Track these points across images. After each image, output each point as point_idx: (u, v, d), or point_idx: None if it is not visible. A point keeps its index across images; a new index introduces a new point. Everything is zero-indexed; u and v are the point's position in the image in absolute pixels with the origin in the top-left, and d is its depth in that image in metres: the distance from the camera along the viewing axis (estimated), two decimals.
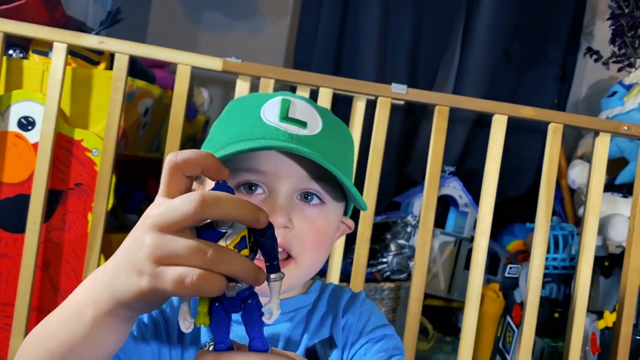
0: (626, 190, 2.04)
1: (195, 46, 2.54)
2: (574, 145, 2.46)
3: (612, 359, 1.28)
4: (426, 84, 2.45)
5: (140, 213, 1.62)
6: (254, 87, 1.27)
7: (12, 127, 1.26)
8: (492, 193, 1.25)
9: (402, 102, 1.25)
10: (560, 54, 2.51)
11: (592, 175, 1.26)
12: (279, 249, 0.61)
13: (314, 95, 1.27)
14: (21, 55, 1.29)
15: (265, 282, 0.46)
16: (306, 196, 0.65)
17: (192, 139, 2.09)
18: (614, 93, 2.24)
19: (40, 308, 1.27)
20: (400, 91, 1.22)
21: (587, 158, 2.27)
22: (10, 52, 1.28)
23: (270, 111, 0.66)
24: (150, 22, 2.55)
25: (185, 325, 0.45)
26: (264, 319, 0.46)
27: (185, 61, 1.24)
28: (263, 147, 0.60)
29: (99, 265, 1.24)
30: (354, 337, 0.70)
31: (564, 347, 1.72)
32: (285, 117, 0.65)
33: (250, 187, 0.64)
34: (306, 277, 0.68)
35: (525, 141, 2.32)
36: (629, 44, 1.85)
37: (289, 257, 0.63)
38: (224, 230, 0.43)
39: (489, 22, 2.37)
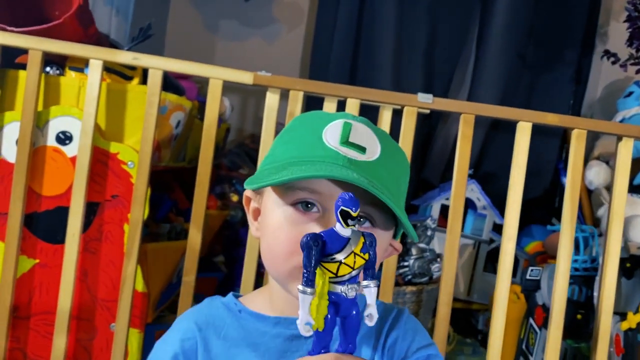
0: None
1: (213, 55, 2.58)
2: (591, 146, 2.47)
3: None
4: (441, 90, 2.48)
5: (169, 222, 1.66)
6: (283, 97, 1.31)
7: (51, 141, 1.30)
8: (518, 200, 1.28)
9: (427, 111, 1.28)
10: (575, 55, 2.53)
11: (615, 179, 1.29)
12: None
13: (341, 106, 1.30)
14: (58, 72, 1.33)
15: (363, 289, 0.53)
16: (359, 219, 0.68)
17: (215, 147, 2.13)
18: (630, 93, 2.25)
19: (80, 317, 1.32)
20: (426, 100, 1.26)
21: (604, 158, 2.28)
22: (48, 69, 1.32)
23: (332, 134, 0.68)
24: (168, 32, 2.60)
25: (306, 329, 0.51)
26: (366, 321, 0.52)
27: (217, 75, 1.28)
28: (322, 175, 0.63)
29: (136, 274, 1.28)
30: (398, 356, 0.72)
31: (589, 349, 1.74)
32: (345, 141, 0.67)
33: (306, 205, 0.67)
34: None
35: (541, 143, 2.34)
36: None
37: None
38: (348, 237, 0.51)
39: (503, 26, 2.39)
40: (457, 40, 2.52)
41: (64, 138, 1.30)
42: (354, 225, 0.51)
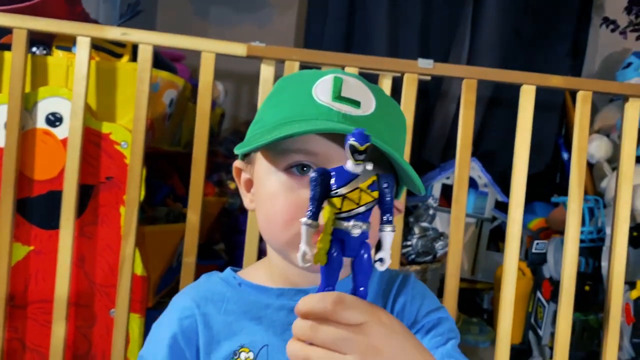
0: None
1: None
2: (591, 120, 2.43)
3: None
4: (441, 60, 2.44)
5: (166, 206, 1.62)
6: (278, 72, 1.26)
7: (40, 124, 1.26)
8: (524, 166, 1.25)
9: (428, 78, 1.24)
10: (572, 28, 2.49)
11: (623, 142, 1.25)
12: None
13: None
14: (44, 52, 1.29)
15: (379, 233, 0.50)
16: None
17: (211, 131, 2.09)
18: (629, 64, 2.22)
19: (78, 303, 1.28)
20: (427, 66, 1.22)
21: (604, 132, 2.25)
22: (34, 49, 1.28)
23: (323, 90, 0.64)
24: (158, 18, 2.55)
25: (305, 260, 0.49)
26: (377, 265, 0.50)
27: (209, 48, 1.24)
28: (318, 129, 0.60)
29: (134, 257, 1.24)
30: (408, 321, 0.70)
31: (598, 321, 1.72)
32: (338, 96, 0.64)
33: (302, 167, 0.64)
34: None
35: (540, 119, 2.31)
36: None
37: None
38: (357, 173, 0.48)
39: (498, 2, 2.36)
40: (453, 15, 2.48)
41: (54, 120, 1.26)
42: (362, 161, 0.48)
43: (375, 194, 0.49)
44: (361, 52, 2.27)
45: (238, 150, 0.67)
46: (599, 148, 2.15)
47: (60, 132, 1.26)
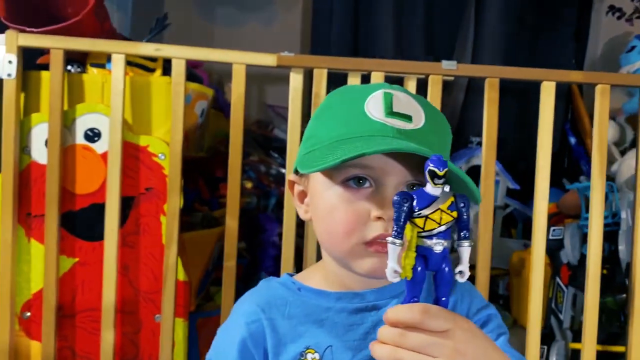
0: None
1: (212, 43, 2.56)
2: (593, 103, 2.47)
3: None
4: (444, 56, 2.48)
5: (194, 211, 1.67)
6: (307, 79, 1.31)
7: (80, 140, 1.30)
8: (548, 160, 1.30)
9: (452, 79, 1.28)
10: (575, 14, 2.53)
11: None
12: (385, 240, 0.66)
13: (364, 80, 1.31)
14: (79, 70, 1.33)
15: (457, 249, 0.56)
16: (412, 187, 0.67)
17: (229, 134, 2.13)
18: (633, 48, 2.25)
19: (124, 310, 1.32)
20: (450, 67, 1.26)
21: (611, 115, 2.29)
22: (69, 67, 1.32)
23: (375, 106, 0.68)
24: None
25: (393, 276, 0.55)
26: (457, 277, 0.55)
27: (240, 60, 1.28)
28: (380, 150, 0.62)
29: (177, 264, 1.29)
30: None
31: (616, 303, 1.77)
32: (390, 112, 0.67)
33: (358, 180, 0.67)
34: None
35: None
36: None
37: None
38: (437, 196, 0.53)
39: None
40: (456, 5, 2.51)
41: (93, 135, 1.30)
42: (441, 185, 0.53)
43: (455, 213, 0.54)
44: (368, 49, 2.32)
45: (304, 170, 0.70)
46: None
47: (99, 147, 1.30)
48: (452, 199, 0.55)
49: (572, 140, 2.45)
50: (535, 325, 1.30)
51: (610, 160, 2.21)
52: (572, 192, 2.09)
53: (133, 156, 1.30)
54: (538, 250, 1.30)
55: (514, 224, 2.38)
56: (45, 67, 1.29)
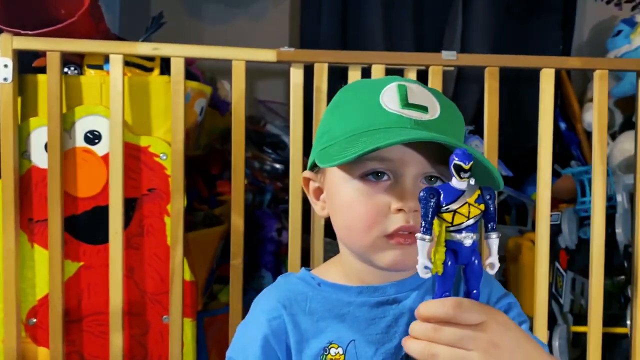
0: None
1: (201, 41, 2.54)
2: (583, 89, 2.50)
3: None
4: (434, 46, 2.48)
5: (193, 211, 1.66)
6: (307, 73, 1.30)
7: (80, 142, 1.29)
8: (549, 147, 1.31)
9: (452, 69, 1.29)
10: (561, 0, 2.56)
11: (639, 114, 1.32)
12: (407, 232, 0.66)
13: (365, 74, 1.30)
14: (76, 71, 1.31)
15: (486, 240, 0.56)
16: (430, 179, 0.68)
17: (225, 132, 2.12)
18: (619, 32, 2.27)
19: (131, 312, 1.32)
20: (450, 57, 1.27)
21: None
22: (65, 69, 1.30)
23: (390, 98, 0.68)
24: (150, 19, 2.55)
25: (424, 272, 0.55)
26: (488, 269, 0.56)
27: (239, 57, 1.27)
28: (401, 141, 0.62)
29: (183, 264, 1.28)
30: None
31: (614, 285, 1.79)
32: (406, 104, 0.67)
33: (377, 174, 0.67)
34: None
35: (535, 91, 2.37)
36: None
37: None
38: (464, 189, 0.54)
39: None
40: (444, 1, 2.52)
41: (93, 137, 1.28)
42: (467, 178, 0.53)
43: (482, 206, 0.55)
44: (357, 43, 2.32)
45: (324, 164, 0.70)
46: None
47: (99, 149, 1.29)
48: (478, 191, 0.55)
49: (562, 125, 2.47)
50: (542, 314, 1.32)
51: None
52: (565, 177, 2.11)
53: (134, 157, 1.29)
54: (542, 237, 1.32)
55: (507, 211, 2.40)
56: (42, 70, 1.28)
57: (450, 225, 0.55)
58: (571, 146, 2.40)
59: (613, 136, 2.19)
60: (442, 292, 0.57)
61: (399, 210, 0.65)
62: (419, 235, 0.55)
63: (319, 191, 0.78)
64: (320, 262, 1.26)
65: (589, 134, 2.30)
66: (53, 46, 1.23)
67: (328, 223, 0.84)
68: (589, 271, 1.33)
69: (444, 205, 0.54)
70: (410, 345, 0.59)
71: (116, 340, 1.28)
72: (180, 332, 1.29)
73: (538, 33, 2.53)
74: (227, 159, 2.21)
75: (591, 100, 2.37)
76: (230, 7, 2.59)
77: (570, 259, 1.90)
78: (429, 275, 0.56)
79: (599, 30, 2.71)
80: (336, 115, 0.74)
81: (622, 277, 1.73)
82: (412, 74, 1.30)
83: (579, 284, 1.90)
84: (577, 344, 1.72)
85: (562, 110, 2.46)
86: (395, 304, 0.73)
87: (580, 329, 1.73)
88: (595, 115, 1.31)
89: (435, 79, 1.28)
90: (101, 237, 1.29)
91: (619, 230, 1.77)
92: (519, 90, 2.38)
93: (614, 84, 2.23)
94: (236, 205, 1.29)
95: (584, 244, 1.93)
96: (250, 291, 1.66)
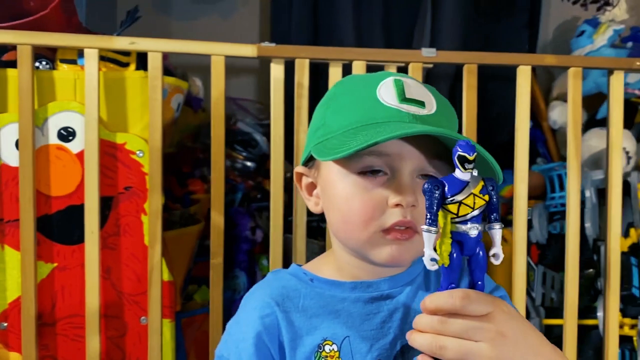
0: (604, 124, 2.16)
1: (168, 35, 2.50)
2: (548, 87, 2.56)
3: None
4: (404, 43, 2.50)
5: (167, 210, 1.62)
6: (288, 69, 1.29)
7: (53, 139, 1.24)
8: (526, 143, 1.33)
9: (431, 66, 1.30)
10: (527, 1, 2.61)
11: (611, 112, 1.35)
12: (404, 227, 0.66)
13: (346, 70, 1.30)
14: (48, 66, 1.26)
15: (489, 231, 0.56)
16: (426, 176, 0.68)
17: (197, 129, 2.09)
18: (582, 32, 2.34)
19: (108, 314, 1.28)
20: (430, 54, 1.27)
21: (563, 98, 2.37)
22: (37, 64, 1.25)
23: (387, 93, 0.68)
24: (118, 18, 2.49)
25: (431, 264, 0.55)
26: (493, 260, 0.56)
27: (219, 52, 1.25)
28: (402, 134, 0.62)
29: (162, 264, 1.25)
30: None
31: (584, 277, 1.84)
32: (403, 98, 0.67)
33: (372, 170, 0.67)
34: None
35: (503, 88, 2.41)
36: None
37: (415, 232, 0.67)
38: (468, 180, 0.54)
39: None
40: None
41: (67, 134, 1.24)
42: (471, 170, 0.54)
43: (486, 197, 0.55)
44: (328, 40, 2.32)
45: (324, 158, 0.69)
46: (561, 114, 2.26)
47: (73, 146, 1.25)
48: (482, 182, 0.55)
49: (531, 123, 2.52)
50: (520, 309, 1.33)
51: (566, 142, 2.30)
52: (533, 174, 2.15)
53: (110, 155, 1.26)
54: (520, 232, 1.34)
55: None
56: (11, 64, 1.23)
57: (455, 216, 0.55)
58: (537, 143, 2.45)
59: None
60: (448, 283, 0.57)
61: (397, 205, 0.65)
62: (424, 227, 0.55)
63: (312, 186, 0.78)
64: (303, 261, 1.25)
65: (554, 132, 2.35)
66: (24, 39, 1.19)
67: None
68: (565, 264, 1.36)
69: (449, 196, 0.54)
70: (416, 339, 0.58)
71: (93, 343, 1.24)
72: (160, 333, 1.26)
73: (505, 32, 2.58)
74: (197, 157, 2.19)
75: (556, 98, 2.44)
76: (199, 3, 2.56)
77: (541, 253, 1.94)
78: (435, 267, 0.55)
79: (563, 31, 2.78)
80: (331, 109, 0.74)
81: (591, 270, 1.78)
82: (392, 71, 1.30)
83: (549, 278, 1.94)
84: (549, 336, 1.75)
85: (531, 108, 2.51)
86: (389, 300, 0.73)
87: (552, 321, 1.77)
88: (570, 112, 1.34)
89: (415, 76, 1.28)
90: (76, 237, 1.25)
91: (587, 225, 1.81)
92: (485, 86, 2.42)
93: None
94: (216, 203, 1.27)
95: (553, 239, 1.98)
96: (226, 291, 1.64)
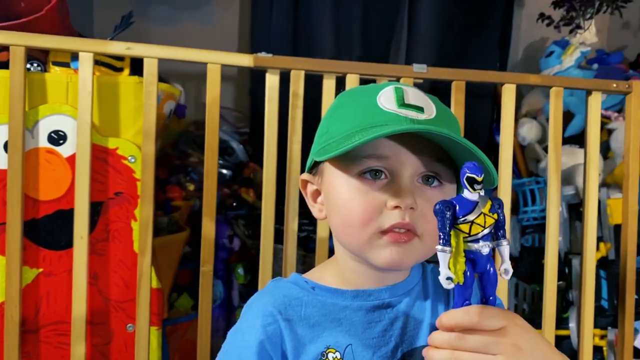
0: (572, 141, 2.25)
1: (147, 41, 2.48)
2: (518, 105, 2.63)
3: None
4: (381, 57, 2.55)
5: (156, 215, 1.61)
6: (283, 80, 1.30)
7: (43, 143, 1.22)
8: (509, 160, 1.37)
9: (421, 82, 1.33)
10: (499, 20, 2.69)
11: (588, 131, 1.41)
12: (403, 230, 0.68)
13: (340, 81, 1.32)
14: (39, 68, 1.25)
15: (497, 248, 0.59)
16: (427, 179, 0.70)
17: (180, 135, 2.08)
18: (551, 53, 2.43)
19: (93, 321, 1.26)
20: (421, 70, 1.31)
21: (532, 115, 2.46)
22: (28, 66, 1.23)
23: (387, 99, 0.70)
24: (95, 21, 2.46)
25: (447, 283, 0.56)
26: (503, 275, 0.58)
27: (215, 60, 1.26)
28: (399, 130, 0.64)
29: (151, 271, 1.25)
30: None
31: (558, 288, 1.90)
32: (402, 103, 0.69)
33: (374, 173, 0.69)
34: (429, 253, 0.71)
35: (475, 105, 2.48)
36: (577, 7, 2.03)
37: (415, 235, 0.68)
38: (477, 200, 0.56)
39: None
40: (391, 8, 2.60)
41: (58, 138, 1.23)
42: (480, 190, 0.56)
43: (495, 215, 0.58)
44: (307, 50, 2.35)
45: (319, 158, 0.71)
46: (530, 131, 2.35)
47: (64, 150, 1.23)
48: (490, 201, 0.58)
49: (498, 139, 2.60)
50: None
51: (534, 157, 2.38)
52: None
53: (101, 159, 1.24)
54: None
55: None
56: (2, 65, 1.21)
57: (467, 235, 0.57)
58: None
59: (546, 149, 2.32)
60: (463, 300, 0.59)
61: (395, 207, 0.67)
62: (438, 247, 0.57)
63: (317, 193, 0.79)
64: (293, 270, 1.26)
65: (522, 148, 2.43)
66: (17, 41, 1.17)
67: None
68: (544, 275, 1.40)
69: (460, 216, 0.56)
70: (434, 355, 0.60)
71: (78, 350, 1.22)
72: (147, 341, 1.25)
73: (478, 50, 2.66)
74: (174, 164, 2.17)
75: (525, 115, 2.52)
76: (178, 10, 2.55)
77: (514, 266, 2.00)
78: (451, 286, 0.57)
79: (532, 50, 2.88)
80: (334, 117, 0.76)
81: (562, 282, 1.84)
82: None
83: (521, 290, 2.00)
84: None
85: (499, 124, 2.58)
86: (389, 308, 0.74)
87: None
88: (552, 129, 1.39)
89: None
90: (63, 242, 1.23)
91: (560, 239, 1.87)
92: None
93: (545, 101, 2.38)
94: (208, 210, 1.27)
95: (526, 252, 2.04)
96: None
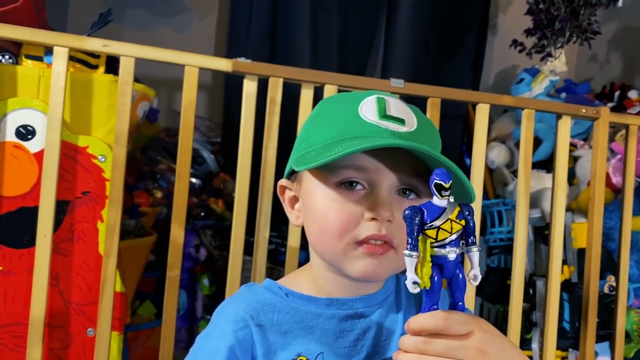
0: (539, 166, 2.29)
1: None
2: (487, 129, 2.67)
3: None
4: (356, 70, 2.57)
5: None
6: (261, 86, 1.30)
7: (10, 137, 1.19)
8: (481, 179, 1.39)
9: (397, 96, 1.34)
10: (473, 44, 2.75)
11: (557, 154, 1.44)
12: (379, 242, 0.68)
13: (318, 92, 1.32)
14: (11, 61, 1.21)
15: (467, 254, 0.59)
16: (405, 191, 0.70)
17: (151, 140, 2.05)
18: (522, 80, 2.48)
19: (52, 324, 1.22)
20: (398, 85, 1.32)
21: (501, 140, 2.51)
22: None
23: (368, 109, 0.70)
24: (69, 22, 2.42)
25: (413, 287, 0.57)
26: (471, 281, 0.59)
27: (193, 63, 1.25)
28: (380, 145, 0.64)
29: (115, 275, 1.21)
30: None
31: (529, 310, 1.92)
32: (384, 115, 0.69)
33: (350, 184, 0.69)
34: (404, 264, 0.73)
35: (446, 128, 2.51)
36: (548, 36, 2.09)
37: (391, 247, 0.68)
38: (445, 207, 0.56)
39: (407, 17, 2.53)
40: (367, 28, 2.62)
41: (26, 133, 1.19)
42: (448, 196, 0.56)
43: (463, 222, 0.58)
44: (284, 60, 2.35)
45: (301, 167, 0.70)
46: (499, 154, 2.38)
47: (32, 145, 1.20)
48: (458, 208, 0.58)
49: (468, 161, 2.64)
50: None
51: (502, 181, 2.41)
52: None
53: (70, 157, 1.21)
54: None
55: None
56: None
57: (434, 240, 0.57)
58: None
59: (515, 173, 2.36)
60: (430, 305, 0.59)
61: (372, 219, 0.67)
62: (406, 252, 0.57)
63: (294, 200, 0.78)
64: (262, 279, 1.24)
65: (491, 171, 2.46)
66: None
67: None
68: (510, 296, 1.41)
69: (427, 222, 0.57)
70: (402, 358, 0.60)
71: (34, 353, 1.17)
72: (108, 346, 1.21)
73: (451, 72, 2.70)
74: (143, 169, 2.14)
75: (494, 139, 2.56)
76: (154, 16, 2.53)
77: (479, 286, 2.01)
78: (417, 290, 0.57)
79: (503, 76, 2.94)
80: (315, 124, 0.75)
81: (526, 303, 1.86)
82: None
83: (486, 310, 2.02)
84: None
85: (468, 146, 2.62)
86: (362, 318, 0.74)
87: None
88: (522, 151, 1.42)
89: None
90: (26, 240, 1.20)
91: (525, 259, 1.90)
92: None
93: (514, 127, 2.42)
94: (178, 215, 1.24)
95: (491, 272, 2.06)
96: None
